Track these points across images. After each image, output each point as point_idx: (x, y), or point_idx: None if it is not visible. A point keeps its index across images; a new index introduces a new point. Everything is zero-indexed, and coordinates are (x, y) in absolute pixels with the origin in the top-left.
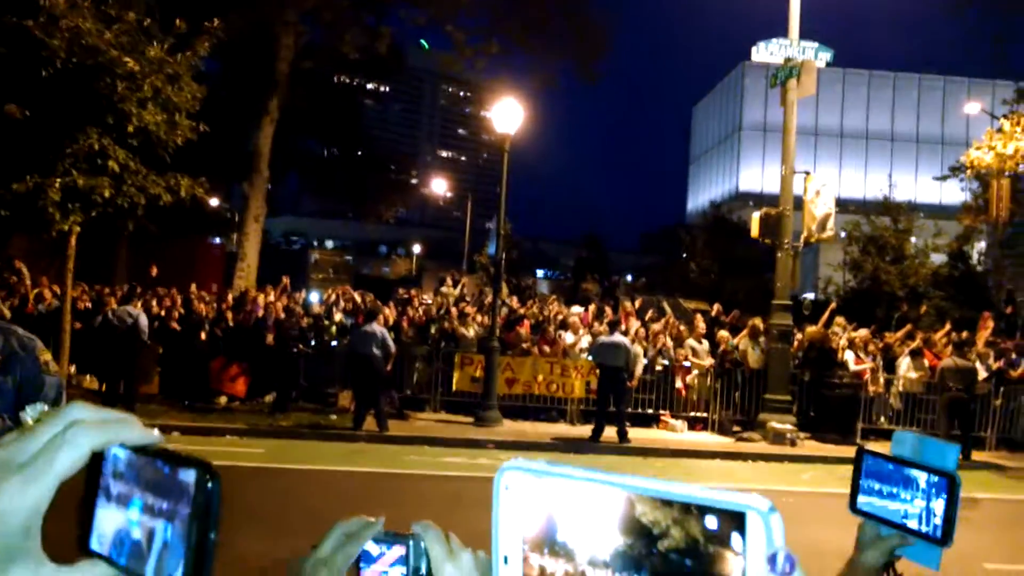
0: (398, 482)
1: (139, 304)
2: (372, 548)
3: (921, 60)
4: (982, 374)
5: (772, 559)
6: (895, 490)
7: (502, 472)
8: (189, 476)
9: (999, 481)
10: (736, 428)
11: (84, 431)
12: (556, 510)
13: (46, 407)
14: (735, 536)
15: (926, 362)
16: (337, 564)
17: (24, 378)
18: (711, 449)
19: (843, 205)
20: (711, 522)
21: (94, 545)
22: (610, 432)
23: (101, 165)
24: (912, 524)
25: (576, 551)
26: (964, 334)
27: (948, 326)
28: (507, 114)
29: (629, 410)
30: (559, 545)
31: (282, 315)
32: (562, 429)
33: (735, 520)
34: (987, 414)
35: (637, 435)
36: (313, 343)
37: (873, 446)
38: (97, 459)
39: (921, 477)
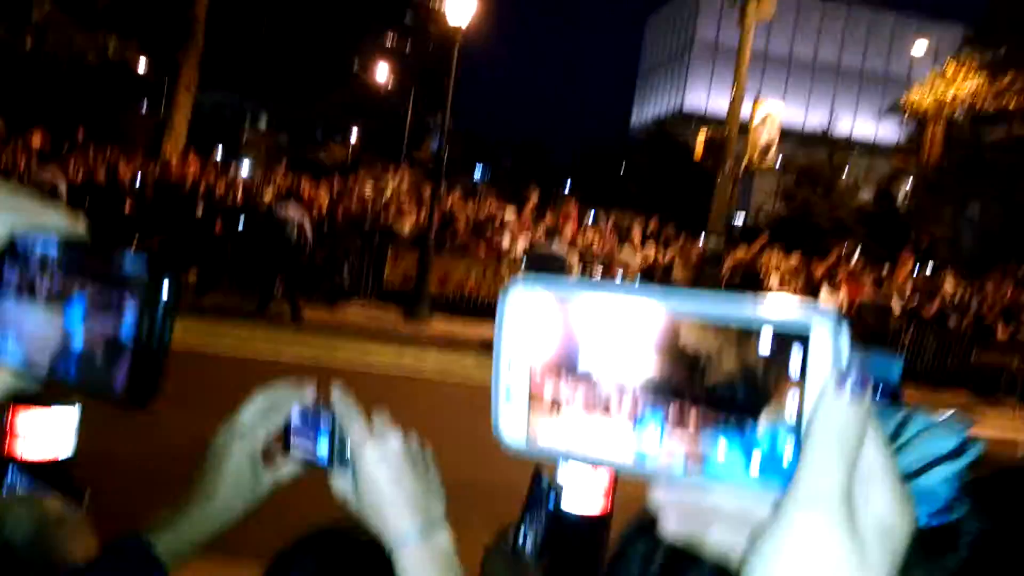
0: (323, 376)
1: (58, 168)
2: (300, 417)
3: None
4: (897, 311)
5: (843, 377)
6: None
7: (509, 291)
8: (138, 269)
9: None
10: None
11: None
12: (576, 331)
13: None
14: (794, 352)
15: (842, 295)
16: (257, 435)
17: None
18: None
19: (783, 134)
20: (766, 339)
21: None
22: None
23: (24, 15)
24: None
25: (598, 377)
26: (883, 271)
27: (857, 259)
28: (460, 6)
29: None
30: (578, 370)
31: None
32: (493, 331)
33: (796, 336)
34: (897, 351)
35: None
36: (242, 223)
37: None
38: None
39: None
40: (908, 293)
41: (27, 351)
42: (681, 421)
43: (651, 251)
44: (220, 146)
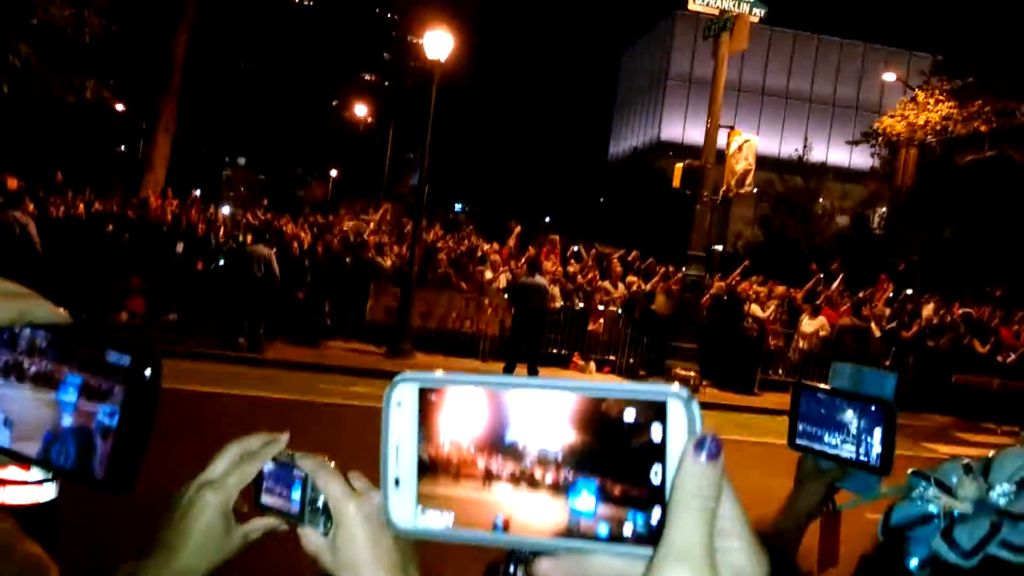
0: (308, 411)
1: (27, 210)
2: (274, 468)
3: (846, 23)
4: (877, 334)
5: (699, 444)
6: (829, 429)
7: (394, 387)
8: (123, 360)
9: None
10: (642, 372)
11: None
12: (459, 419)
13: None
14: (655, 426)
15: (824, 319)
16: (229, 485)
17: None
18: None
19: (758, 162)
20: (630, 415)
21: None
22: (521, 370)
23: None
24: (847, 455)
25: (485, 461)
26: (862, 294)
27: (837, 284)
28: (438, 42)
29: (541, 350)
30: (465, 456)
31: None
32: (474, 364)
33: (654, 410)
34: None
35: (548, 374)
36: (223, 262)
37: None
38: None
39: (853, 422)
40: (887, 316)
41: (12, 433)
42: (559, 495)
43: (632, 281)
44: (199, 186)
